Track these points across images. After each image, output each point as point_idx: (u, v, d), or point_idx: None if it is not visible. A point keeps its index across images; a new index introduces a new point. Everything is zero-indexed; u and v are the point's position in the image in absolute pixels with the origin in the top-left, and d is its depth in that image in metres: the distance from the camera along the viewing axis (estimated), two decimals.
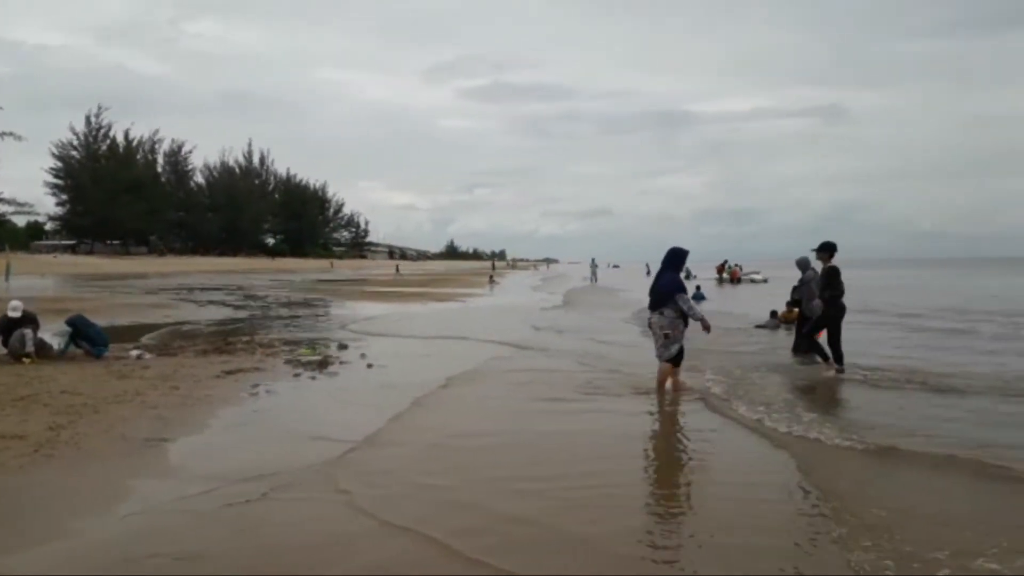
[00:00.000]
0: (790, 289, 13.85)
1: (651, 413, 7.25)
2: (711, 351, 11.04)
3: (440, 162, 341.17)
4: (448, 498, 4.59)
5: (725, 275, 46.69)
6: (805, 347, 11.80)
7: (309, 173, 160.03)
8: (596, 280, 46.45)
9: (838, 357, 9.71)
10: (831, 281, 9.70)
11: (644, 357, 9.56)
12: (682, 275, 8.39)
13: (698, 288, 29.31)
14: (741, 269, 48.15)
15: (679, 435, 6.51)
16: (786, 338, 13.76)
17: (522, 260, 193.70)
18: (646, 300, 8.37)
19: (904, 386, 8.64)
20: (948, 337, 14.20)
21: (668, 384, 8.18)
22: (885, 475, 5.21)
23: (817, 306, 12.01)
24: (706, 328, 8.17)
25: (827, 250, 9.95)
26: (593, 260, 53.99)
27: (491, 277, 50.82)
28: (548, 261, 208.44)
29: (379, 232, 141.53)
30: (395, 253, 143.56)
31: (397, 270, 73.46)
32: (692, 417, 7.07)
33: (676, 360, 8.13)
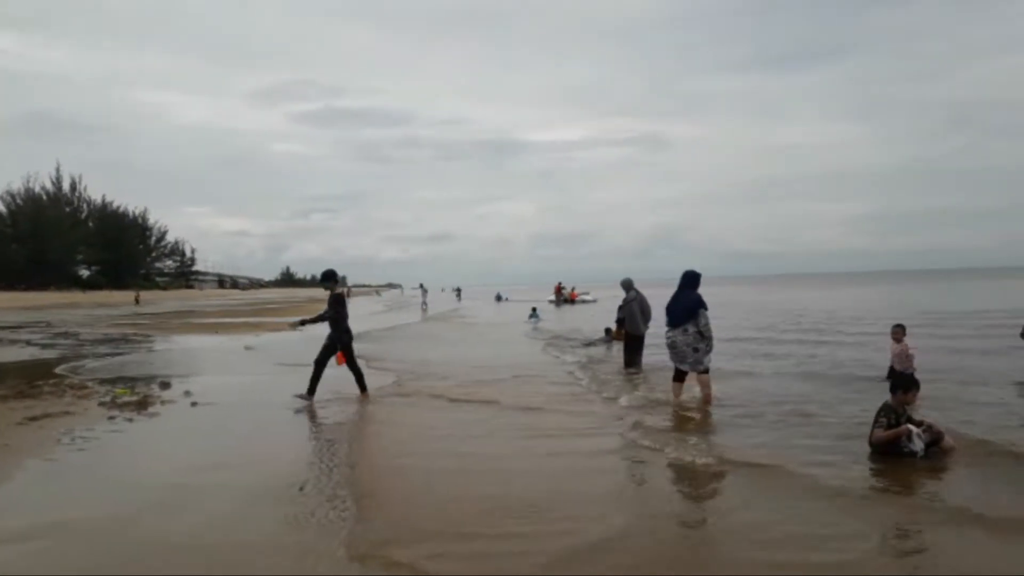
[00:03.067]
0: (616, 308, 14.72)
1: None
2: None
3: (273, 187, 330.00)
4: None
5: (564, 295, 48.51)
6: (637, 363, 12.59)
7: (128, 199, 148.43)
8: (427, 306, 45.90)
9: (313, 385, 9.46)
10: (338, 308, 9.66)
11: None
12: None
13: (534, 310, 30.12)
14: (574, 290, 50.32)
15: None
16: (608, 353, 14.55)
17: (363, 286, 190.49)
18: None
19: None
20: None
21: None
22: None
23: (641, 324, 12.86)
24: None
25: (330, 279, 9.90)
26: (422, 285, 54.26)
27: None
28: (392, 286, 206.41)
29: (208, 260, 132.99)
30: (226, 282, 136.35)
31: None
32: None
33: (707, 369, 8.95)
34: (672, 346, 9.08)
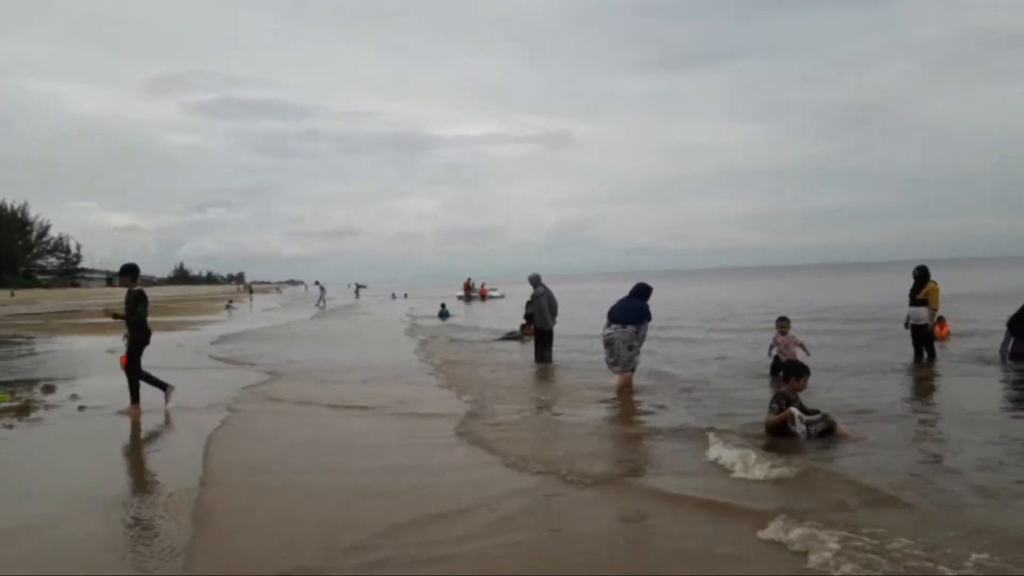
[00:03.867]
0: (524, 304, 14.82)
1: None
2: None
3: (166, 180, 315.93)
4: None
5: (474, 292, 48.59)
6: (547, 357, 12.76)
7: (6, 193, 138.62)
8: (325, 304, 45.04)
9: (144, 384, 8.86)
10: (138, 306, 8.78)
11: None
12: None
13: (443, 306, 30.07)
14: (484, 285, 50.49)
15: None
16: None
17: (264, 283, 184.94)
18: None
19: None
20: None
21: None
22: None
23: (548, 319, 13.02)
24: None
25: (128, 273, 9.01)
26: (318, 282, 53.70)
27: (229, 302, 48.20)
28: (293, 283, 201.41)
29: (95, 257, 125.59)
30: (115, 279, 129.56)
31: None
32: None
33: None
34: (609, 343, 9.47)
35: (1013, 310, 11.30)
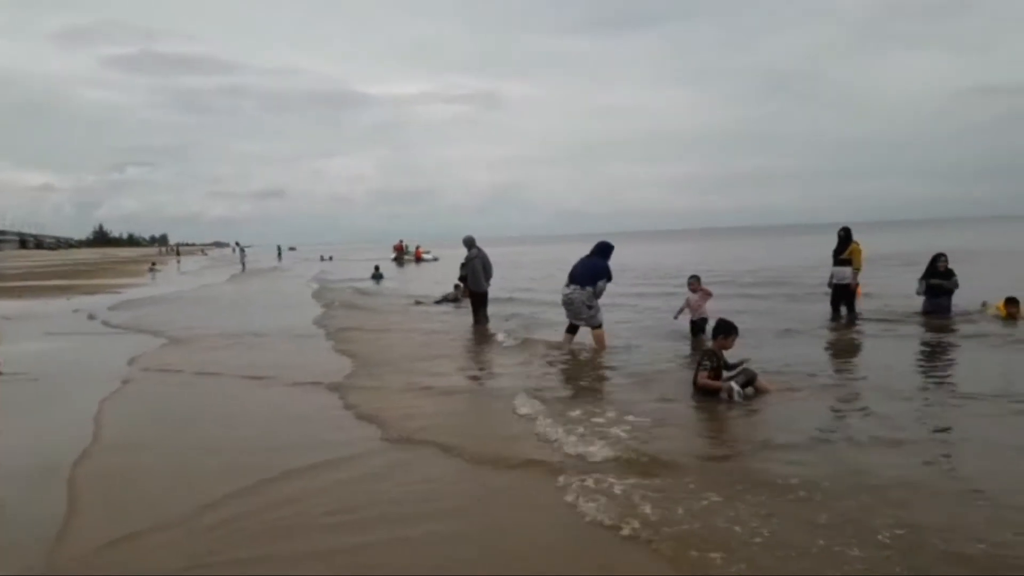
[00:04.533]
0: (459, 266, 14.83)
1: None
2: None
3: (82, 138, 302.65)
4: None
5: (407, 255, 48.15)
6: (483, 319, 12.86)
7: None
8: (245, 267, 44.54)
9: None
10: None
11: None
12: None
13: (377, 268, 29.76)
14: (419, 248, 50.09)
15: None
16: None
17: (188, 244, 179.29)
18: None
19: None
20: None
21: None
22: None
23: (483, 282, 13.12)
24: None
25: None
26: (238, 243, 53.06)
27: (152, 265, 46.84)
28: (219, 245, 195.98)
29: (6, 218, 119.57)
30: (29, 241, 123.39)
31: None
32: None
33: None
34: (568, 303, 9.85)
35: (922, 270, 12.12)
